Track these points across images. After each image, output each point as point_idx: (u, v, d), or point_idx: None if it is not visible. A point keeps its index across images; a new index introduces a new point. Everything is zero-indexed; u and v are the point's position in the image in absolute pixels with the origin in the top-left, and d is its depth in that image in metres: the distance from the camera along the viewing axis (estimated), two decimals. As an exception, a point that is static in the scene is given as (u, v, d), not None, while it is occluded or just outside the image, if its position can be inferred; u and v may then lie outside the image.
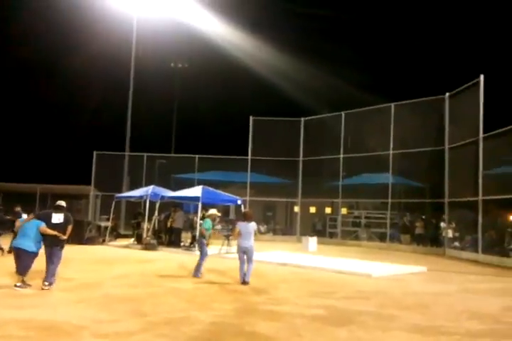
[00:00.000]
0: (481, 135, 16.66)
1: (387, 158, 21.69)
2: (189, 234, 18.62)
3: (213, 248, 16.51)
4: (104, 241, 19.51)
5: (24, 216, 15.48)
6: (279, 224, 27.89)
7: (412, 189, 23.35)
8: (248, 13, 35.28)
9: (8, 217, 15.52)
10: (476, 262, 16.02)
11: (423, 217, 21.85)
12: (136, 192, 20.36)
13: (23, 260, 8.70)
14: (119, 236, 21.42)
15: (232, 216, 25.57)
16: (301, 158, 25.22)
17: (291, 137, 24.96)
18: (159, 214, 19.25)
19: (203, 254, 11.04)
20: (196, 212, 17.64)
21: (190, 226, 18.86)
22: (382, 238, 22.27)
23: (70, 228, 9.30)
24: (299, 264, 13.59)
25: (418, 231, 20.96)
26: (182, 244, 18.21)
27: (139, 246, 17.91)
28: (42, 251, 8.98)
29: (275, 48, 33.01)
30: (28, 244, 8.69)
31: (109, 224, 20.33)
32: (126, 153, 27.17)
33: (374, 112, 22.43)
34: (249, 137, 25.41)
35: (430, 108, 20.26)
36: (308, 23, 34.99)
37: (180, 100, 38.87)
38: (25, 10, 35.50)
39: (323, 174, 24.80)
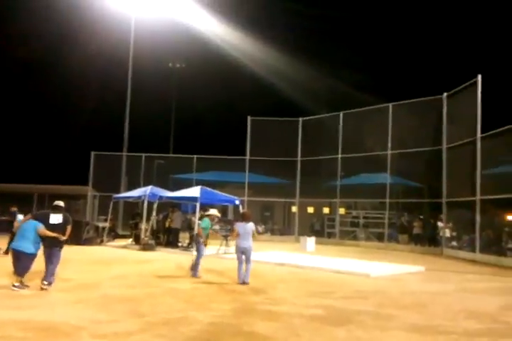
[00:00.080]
0: (479, 135, 16.71)
1: (385, 158, 21.72)
2: (187, 235, 18.61)
3: (211, 248, 16.57)
4: (102, 241, 19.50)
5: (20, 216, 15.50)
6: (277, 224, 27.90)
7: (410, 189, 23.40)
8: (246, 13, 35.36)
9: (4, 218, 15.51)
10: (473, 262, 16.06)
11: (421, 216, 21.88)
12: (134, 193, 20.34)
13: (22, 262, 8.68)
14: (117, 236, 21.41)
15: (230, 216, 25.58)
16: (299, 158, 25.23)
17: (289, 137, 24.96)
18: (157, 214, 19.23)
19: (200, 254, 11.04)
20: (194, 213, 17.62)
21: (189, 227, 18.82)
22: (380, 238, 22.29)
23: (69, 228, 9.27)
24: (297, 264, 13.61)
25: (416, 231, 20.99)
26: (180, 244, 18.21)
27: (137, 247, 17.90)
28: (41, 251, 8.98)
29: (273, 48, 33.06)
30: (26, 246, 8.67)
31: (107, 224, 20.31)
32: (124, 154, 27.11)
33: (372, 112, 22.46)
34: (247, 137, 25.42)
35: (428, 108, 20.28)
36: (307, 23, 35.06)
37: (179, 100, 38.90)
38: (23, 10, 35.50)
39: (321, 174, 24.81)
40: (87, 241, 18.63)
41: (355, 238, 23.46)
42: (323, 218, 25.10)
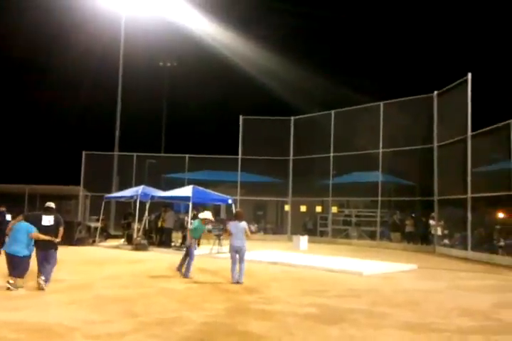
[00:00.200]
0: (469, 133, 16.81)
1: (377, 156, 21.80)
2: (180, 234, 18.58)
3: (204, 248, 16.57)
4: (94, 241, 19.41)
5: (8, 216, 15.40)
6: (269, 223, 27.91)
7: (402, 187, 23.53)
8: (238, 12, 35.27)
9: None
10: (465, 259, 16.15)
11: (413, 215, 21.99)
12: (126, 193, 20.26)
13: (19, 264, 8.65)
14: (109, 236, 21.33)
15: (223, 215, 25.56)
16: (291, 157, 25.25)
17: (281, 136, 24.98)
18: (149, 214, 19.17)
19: (191, 254, 11.03)
20: (187, 212, 17.60)
21: (181, 226, 18.81)
22: (372, 236, 22.37)
23: (61, 230, 9.27)
24: (290, 263, 13.63)
25: (408, 229, 21.08)
26: (173, 244, 18.17)
27: (130, 247, 17.84)
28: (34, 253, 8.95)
29: (265, 48, 33.04)
30: (20, 250, 8.65)
31: (99, 224, 20.20)
32: (116, 153, 27.00)
33: (363, 111, 22.54)
34: (240, 136, 25.39)
35: (419, 106, 20.38)
36: (298, 23, 35.08)
37: (170, 99, 38.79)
38: (13, 9, 35.20)
39: (314, 173, 24.84)
40: (79, 242, 18.53)
41: (347, 236, 23.53)
42: (316, 217, 25.13)
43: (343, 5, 39.23)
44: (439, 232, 19.39)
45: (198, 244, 11.47)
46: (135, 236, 18.22)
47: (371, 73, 36.35)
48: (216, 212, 25.23)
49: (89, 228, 19.98)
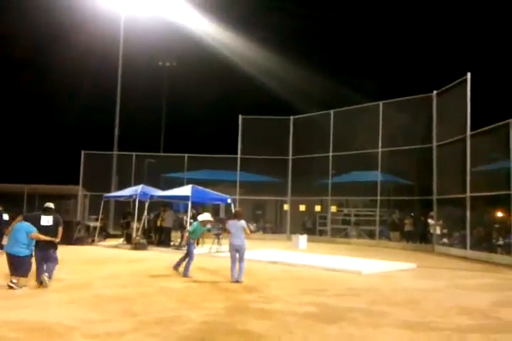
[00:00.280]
0: (469, 132, 16.82)
1: (376, 155, 21.79)
2: (179, 234, 18.58)
3: (203, 247, 16.58)
4: (93, 241, 19.39)
5: (5, 216, 15.39)
6: (268, 223, 27.89)
7: (401, 186, 23.53)
8: (238, 12, 35.27)
9: None
10: (464, 258, 16.17)
11: (412, 214, 22.00)
12: (125, 192, 20.26)
13: (21, 264, 8.66)
14: (108, 236, 21.32)
15: (222, 215, 25.55)
16: (290, 157, 25.24)
17: (280, 136, 24.94)
18: (149, 213, 19.18)
19: (191, 254, 11.04)
20: (186, 211, 17.60)
21: (180, 226, 18.81)
22: (371, 235, 22.37)
23: (61, 230, 9.31)
24: (289, 262, 13.63)
25: (407, 228, 21.08)
26: (172, 243, 18.17)
27: (129, 246, 17.83)
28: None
29: (264, 47, 33.04)
30: (21, 250, 8.67)
31: (98, 224, 20.20)
32: (115, 153, 26.99)
33: (362, 110, 22.52)
34: (239, 136, 25.38)
35: (418, 106, 20.38)
36: (297, 22, 35.08)
37: (169, 99, 38.77)
38: (14, 9, 35.18)
39: (313, 172, 24.82)
40: (79, 241, 18.52)
41: (346, 235, 23.52)
42: (315, 216, 25.13)
43: (343, 5, 39.29)
44: (438, 231, 19.40)
45: (197, 243, 11.44)
46: (134, 235, 18.21)
47: (370, 73, 36.42)
48: (215, 212, 25.24)
49: (88, 227, 19.97)
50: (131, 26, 28.72)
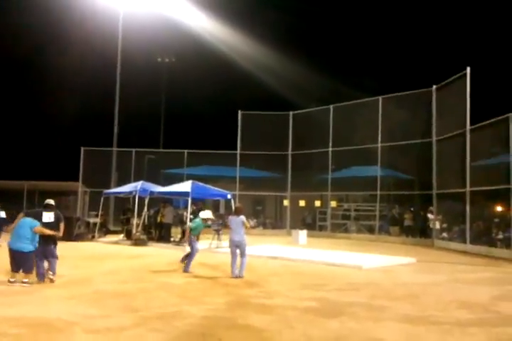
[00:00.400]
0: (468, 127, 16.80)
1: (376, 150, 21.79)
2: (179, 229, 18.59)
3: (204, 243, 16.58)
4: (93, 237, 19.42)
5: (2, 213, 15.40)
6: (268, 218, 27.93)
7: (401, 181, 23.53)
8: (236, 8, 35.13)
9: None
10: (464, 252, 16.19)
11: (412, 208, 22.02)
12: (125, 188, 20.27)
13: (25, 260, 8.66)
14: (108, 232, 21.33)
15: (222, 210, 25.56)
16: (290, 152, 25.23)
17: (279, 131, 24.90)
18: (149, 209, 19.19)
19: (193, 250, 11.04)
20: (186, 207, 17.60)
21: (180, 222, 18.82)
22: (371, 230, 22.40)
23: (62, 226, 9.36)
24: (289, 257, 13.65)
25: (407, 223, 21.13)
26: (172, 239, 18.19)
27: (129, 242, 17.85)
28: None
29: (263, 43, 32.95)
30: (24, 246, 8.65)
31: (98, 220, 20.22)
32: (114, 149, 26.98)
33: (362, 105, 22.51)
34: (238, 131, 25.36)
35: (417, 101, 20.36)
36: (295, 18, 35.00)
37: (168, 95, 38.73)
38: (13, 9, 35.05)
39: (313, 167, 24.82)
40: (79, 237, 18.53)
41: (346, 230, 23.55)
42: (315, 211, 25.15)
43: (341, 0, 39.16)
44: (438, 226, 19.43)
45: (198, 239, 11.45)
46: (134, 231, 18.24)
47: (369, 68, 36.32)
48: (215, 208, 25.26)
49: (88, 223, 19.99)
50: (129, 23, 28.63)
